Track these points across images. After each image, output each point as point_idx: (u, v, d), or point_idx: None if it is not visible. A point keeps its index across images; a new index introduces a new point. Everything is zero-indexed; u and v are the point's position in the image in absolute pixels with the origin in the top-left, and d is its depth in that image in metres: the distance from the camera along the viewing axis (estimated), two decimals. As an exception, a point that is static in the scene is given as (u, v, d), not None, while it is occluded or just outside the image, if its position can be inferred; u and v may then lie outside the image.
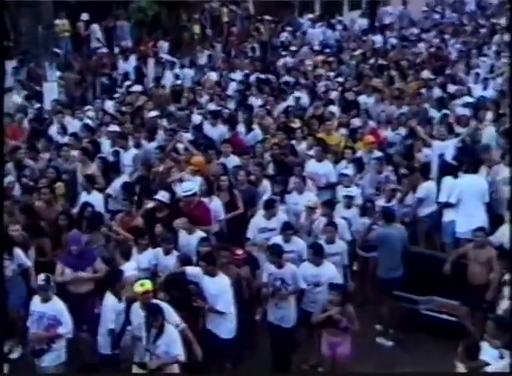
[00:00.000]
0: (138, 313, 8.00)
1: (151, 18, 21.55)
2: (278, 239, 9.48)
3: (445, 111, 14.48)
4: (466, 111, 14.45)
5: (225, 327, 8.51)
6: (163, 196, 10.33)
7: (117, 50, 20.51)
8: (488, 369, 7.23)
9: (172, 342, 7.73)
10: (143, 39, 21.40)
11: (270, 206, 10.14)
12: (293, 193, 10.92)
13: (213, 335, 8.48)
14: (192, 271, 8.59)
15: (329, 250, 9.33)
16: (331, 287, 8.43)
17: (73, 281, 9.05)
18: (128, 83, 17.44)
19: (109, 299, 8.23)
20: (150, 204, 10.39)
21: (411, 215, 11.20)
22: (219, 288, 8.41)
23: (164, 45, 21.21)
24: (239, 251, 9.29)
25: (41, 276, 8.20)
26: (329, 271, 8.97)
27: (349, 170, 11.61)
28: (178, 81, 17.84)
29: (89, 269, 9.16)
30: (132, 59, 19.61)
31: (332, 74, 18.51)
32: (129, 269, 8.70)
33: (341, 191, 11.09)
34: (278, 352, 9.07)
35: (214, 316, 8.50)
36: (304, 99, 16.00)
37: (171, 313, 7.99)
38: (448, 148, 12.39)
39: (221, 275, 8.53)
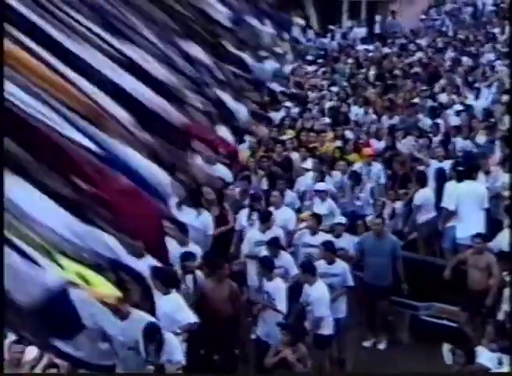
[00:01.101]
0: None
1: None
2: (267, 252, 9.24)
3: (436, 121, 14.52)
4: (458, 120, 14.50)
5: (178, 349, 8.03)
6: None
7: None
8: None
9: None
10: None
11: (266, 219, 9.86)
12: (270, 207, 10.47)
13: None
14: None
15: (328, 270, 9.14)
16: (281, 327, 8.02)
17: None
18: None
19: None
20: None
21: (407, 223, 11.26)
22: (172, 307, 7.99)
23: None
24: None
25: None
26: (317, 292, 8.66)
27: (324, 185, 11.23)
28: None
29: None
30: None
31: (326, 83, 18.49)
32: None
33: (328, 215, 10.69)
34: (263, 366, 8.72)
35: None
36: (295, 109, 15.81)
37: None
38: (445, 167, 12.22)
39: (173, 292, 8.14)
